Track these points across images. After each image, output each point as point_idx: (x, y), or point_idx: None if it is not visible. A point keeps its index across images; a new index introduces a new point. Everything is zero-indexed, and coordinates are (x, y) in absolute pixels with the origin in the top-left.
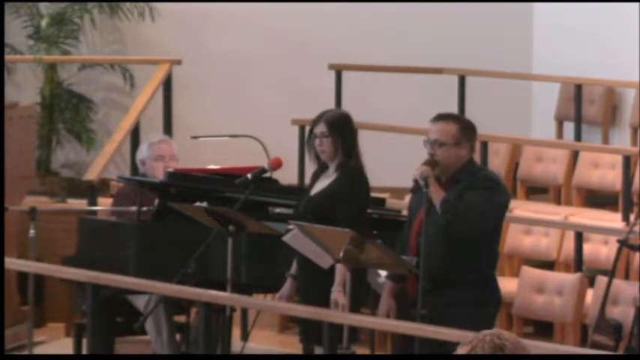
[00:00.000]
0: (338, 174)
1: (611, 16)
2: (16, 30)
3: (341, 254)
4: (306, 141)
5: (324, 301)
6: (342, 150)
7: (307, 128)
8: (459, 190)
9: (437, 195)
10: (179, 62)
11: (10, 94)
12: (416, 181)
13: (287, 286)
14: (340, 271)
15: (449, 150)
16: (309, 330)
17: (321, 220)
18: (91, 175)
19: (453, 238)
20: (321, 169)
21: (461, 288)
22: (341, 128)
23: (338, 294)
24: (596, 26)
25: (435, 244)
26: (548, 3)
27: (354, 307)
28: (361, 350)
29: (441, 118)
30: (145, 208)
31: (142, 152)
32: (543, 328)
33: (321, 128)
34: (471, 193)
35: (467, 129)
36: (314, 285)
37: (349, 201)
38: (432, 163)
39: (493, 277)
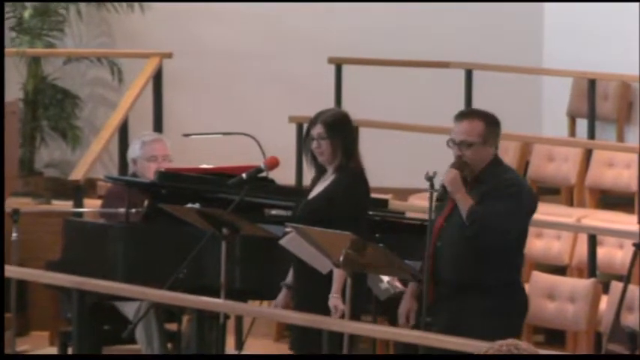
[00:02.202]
0: (336, 176)
1: (625, 9)
2: None
3: (341, 258)
4: (303, 143)
5: (322, 311)
6: (341, 152)
7: (305, 126)
8: (480, 193)
9: (464, 202)
10: (170, 56)
11: None
12: (444, 188)
13: (282, 296)
14: (338, 276)
15: (477, 150)
16: (304, 339)
17: (319, 224)
18: (77, 174)
19: (476, 245)
20: (320, 173)
21: (482, 294)
22: (339, 129)
23: (336, 300)
24: (609, 18)
25: (455, 249)
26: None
27: (355, 314)
28: None
29: (465, 115)
30: (134, 210)
31: (135, 151)
32: (555, 337)
33: (318, 130)
34: (494, 201)
35: (493, 124)
36: (311, 294)
37: (347, 204)
38: (461, 165)
39: (518, 283)
